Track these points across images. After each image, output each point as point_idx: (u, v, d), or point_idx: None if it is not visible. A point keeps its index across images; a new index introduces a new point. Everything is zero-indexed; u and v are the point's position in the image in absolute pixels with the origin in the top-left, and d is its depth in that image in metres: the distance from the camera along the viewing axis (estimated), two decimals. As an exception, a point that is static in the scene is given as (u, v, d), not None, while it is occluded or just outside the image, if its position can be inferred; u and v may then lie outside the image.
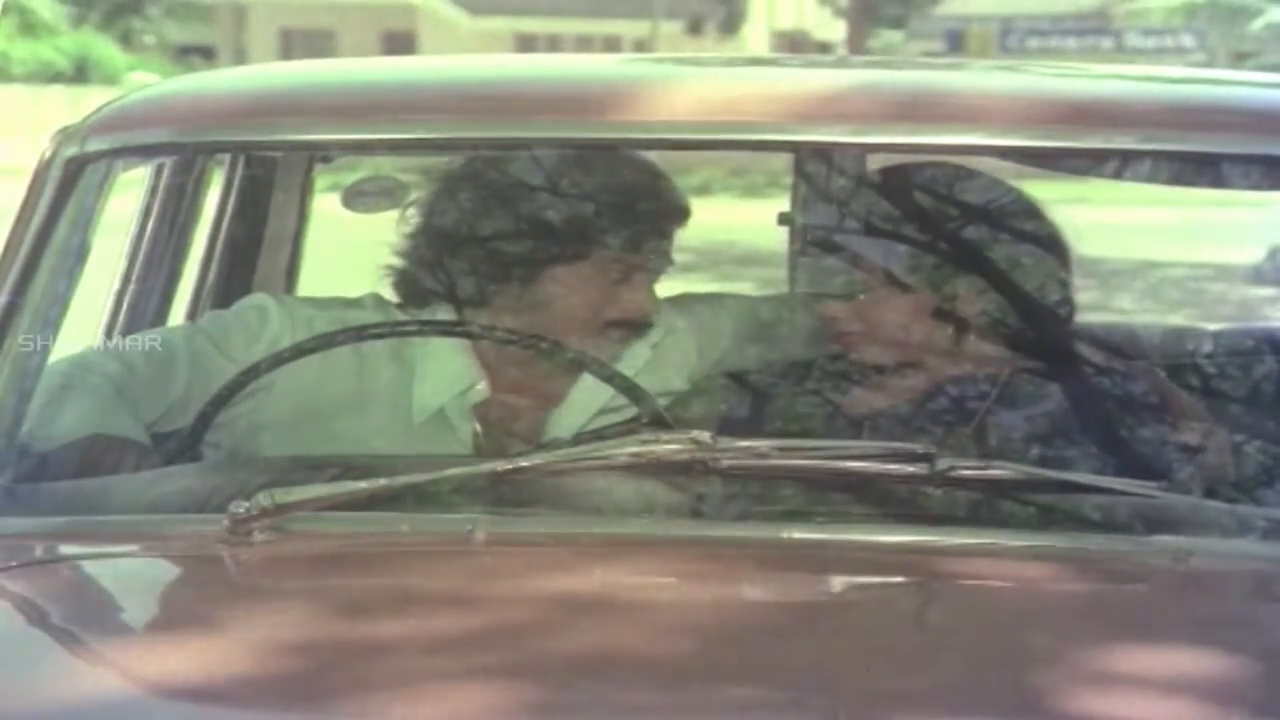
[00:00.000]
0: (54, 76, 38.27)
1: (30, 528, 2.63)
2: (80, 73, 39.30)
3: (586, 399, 3.07)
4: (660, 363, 3.11)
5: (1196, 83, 3.75)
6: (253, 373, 2.96)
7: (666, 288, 3.20)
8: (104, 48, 42.62)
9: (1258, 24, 41.21)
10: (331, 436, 3.01)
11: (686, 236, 3.22)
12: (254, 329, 3.07)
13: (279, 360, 2.97)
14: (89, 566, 2.56)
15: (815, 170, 3.27)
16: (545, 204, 3.09)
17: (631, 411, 2.92)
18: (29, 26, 42.05)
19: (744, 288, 3.62)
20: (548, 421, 3.08)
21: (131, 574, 2.56)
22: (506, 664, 2.17)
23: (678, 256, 3.16)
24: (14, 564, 2.49)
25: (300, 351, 2.98)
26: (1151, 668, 2.26)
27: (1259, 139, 2.95)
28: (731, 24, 39.34)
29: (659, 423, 2.78)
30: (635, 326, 3.10)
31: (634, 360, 3.07)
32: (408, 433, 3.05)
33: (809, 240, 3.35)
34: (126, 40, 45.17)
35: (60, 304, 2.82)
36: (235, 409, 2.99)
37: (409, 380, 3.08)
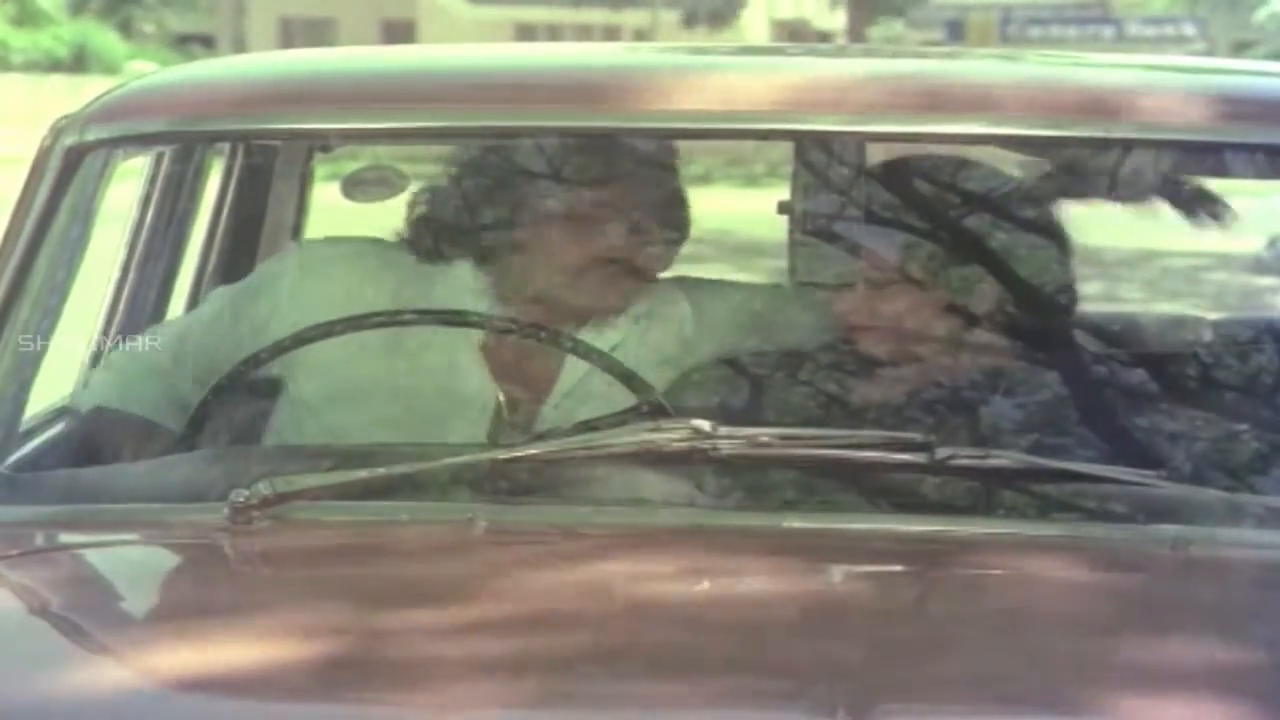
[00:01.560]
0: (53, 65, 38.26)
1: (31, 516, 2.63)
2: (79, 61, 39.27)
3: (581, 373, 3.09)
4: (648, 336, 3.11)
5: (1199, 72, 3.74)
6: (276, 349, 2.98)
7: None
8: (103, 36, 42.62)
9: (1261, 14, 41.22)
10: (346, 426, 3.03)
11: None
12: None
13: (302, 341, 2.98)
14: (90, 555, 2.57)
15: (814, 159, 3.26)
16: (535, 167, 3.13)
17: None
18: (28, 15, 42.01)
19: (743, 276, 3.61)
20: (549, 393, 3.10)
21: (132, 563, 2.57)
22: (506, 654, 2.18)
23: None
24: (15, 553, 2.49)
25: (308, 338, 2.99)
26: (1151, 656, 2.27)
27: (1260, 128, 2.95)
28: (722, 18, 39.30)
29: (659, 411, 2.78)
30: (636, 271, 3.14)
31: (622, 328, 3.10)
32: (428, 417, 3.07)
33: (808, 229, 3.34)
34: (126, 29, 45.17)
35: (60, 293, 2.83)
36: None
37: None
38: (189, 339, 3.19)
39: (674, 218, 3.16)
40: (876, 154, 3.17)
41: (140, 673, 2.23)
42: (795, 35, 39.27)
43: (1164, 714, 2.13)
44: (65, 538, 2.59)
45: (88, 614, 2.46)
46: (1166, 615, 2.41)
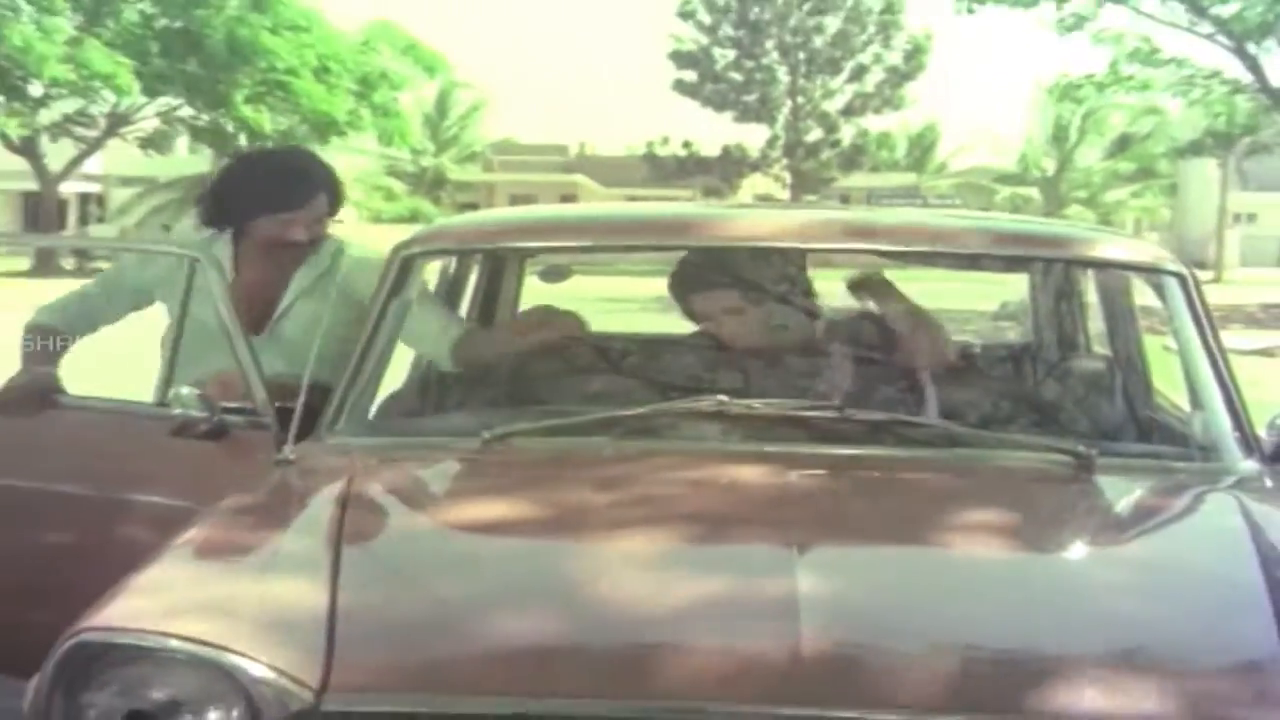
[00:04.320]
0: (400, 220, 38.84)
1: (385, 444, 2.59)
2: (414, 218, 40.01)
3: None
4: None
5: (971, 219, 3.69)
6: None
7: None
8: (426, 206, 43.25)
9: (997, 196, 41.31)
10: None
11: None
12: None
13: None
14: (413, 462, 2.52)
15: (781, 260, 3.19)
16: None
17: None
18: (390, 195, 42.83)
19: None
20: None
21: (435, 467, 2.52)
22: (618, 510, 2.20)
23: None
24: (375, 461, 2.46)
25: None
26: (951, 514, 2.25)
27: (1001, 247, 2.89)
28: (722, 193, 39.30)
29: (703, 390, 2.71)
30: None
31: None
32: None
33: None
34: (436, 201, 45.72)
35: (398, 330, 2.77)
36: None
37: None
38: None
39: None
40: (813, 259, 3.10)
41: (440, 522, 2.28)
42: (765, 199, 39.25)
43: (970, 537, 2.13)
44: (401, 453, 2.54)
45: (415, 492, 2.45)
46: (958, 497, 2.35)
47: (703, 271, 2.90)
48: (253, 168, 3.45)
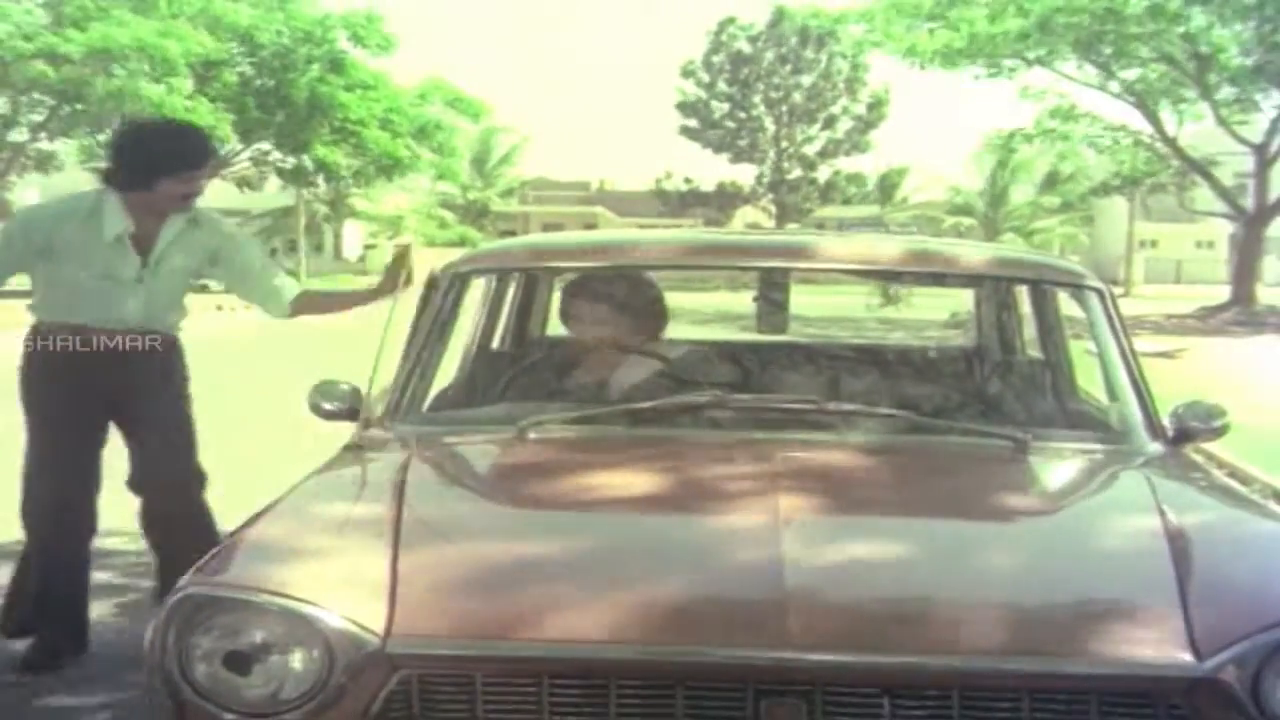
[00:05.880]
0: (451, 244, 38.82)
1: (437, 431, 2.54)
2: (462, 243, 39.96)
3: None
4: None
5: (934, 245, 3.67)
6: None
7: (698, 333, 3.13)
8: (472, 233, 43.17)
9: (945, 225, 41.25)
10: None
11: (708, 306, 3.15)
12: None
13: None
14: (459, 445, 2.48)
15: (768, 277, 3.18)
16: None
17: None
18: (443, 223, 42.89)
19: (732, 333, 3.50)
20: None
21: (478, 449, 2.48)
22: (623, 474, 2.19)
23: (708, 314, 3.08)
24: (429, 445, 2.43)
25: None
26: (915, 480, 2.24)
27: (954, 268, 2.88)
28: (719, 223, 39.25)
29: (698, 387, 2.68)
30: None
31: None
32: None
33: (764, 309, 3.25)
34: (481, 228, 45.69)
35: (444, 340, 2.74)
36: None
37: None
38: None
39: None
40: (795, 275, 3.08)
41: (483, 494, 2.26)
42: (754, 227, 39.17)
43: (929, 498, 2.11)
44: (450, 439, 2.50)
45: (462, 470, 2.42)
46: (919, 473, 2.32)
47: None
48: (154, 137, 3.35)
